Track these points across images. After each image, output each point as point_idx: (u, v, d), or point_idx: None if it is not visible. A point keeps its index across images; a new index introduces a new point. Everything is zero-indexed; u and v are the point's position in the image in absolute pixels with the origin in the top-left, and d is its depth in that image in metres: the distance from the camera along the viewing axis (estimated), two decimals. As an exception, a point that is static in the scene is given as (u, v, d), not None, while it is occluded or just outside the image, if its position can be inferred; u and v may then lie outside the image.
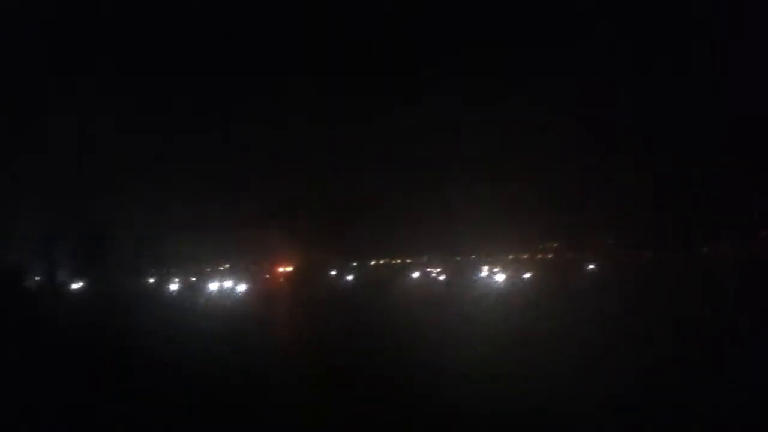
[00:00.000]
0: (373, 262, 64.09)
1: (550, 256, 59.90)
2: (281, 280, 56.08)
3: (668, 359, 16.42)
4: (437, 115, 42.81)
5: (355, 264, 62.30)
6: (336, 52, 37.30)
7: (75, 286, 45.41)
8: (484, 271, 58.15)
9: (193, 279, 55.69)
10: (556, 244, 59.88)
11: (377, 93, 40.42)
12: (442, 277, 59.50)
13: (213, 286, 54.51)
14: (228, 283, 54.39)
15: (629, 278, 38.50)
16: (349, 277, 59.91)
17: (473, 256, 59.82)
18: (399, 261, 63.90)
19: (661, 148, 39.53)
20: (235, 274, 55.14)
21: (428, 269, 62.19)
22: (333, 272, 60.39)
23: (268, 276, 56.57)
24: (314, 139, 44.46)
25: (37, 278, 43.03)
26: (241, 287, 53.22)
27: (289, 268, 56.45)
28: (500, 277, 55.23)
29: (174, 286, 53.36)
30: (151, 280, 52.71)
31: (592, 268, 52.88)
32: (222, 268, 57.39)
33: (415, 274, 61.49)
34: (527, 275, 54.64)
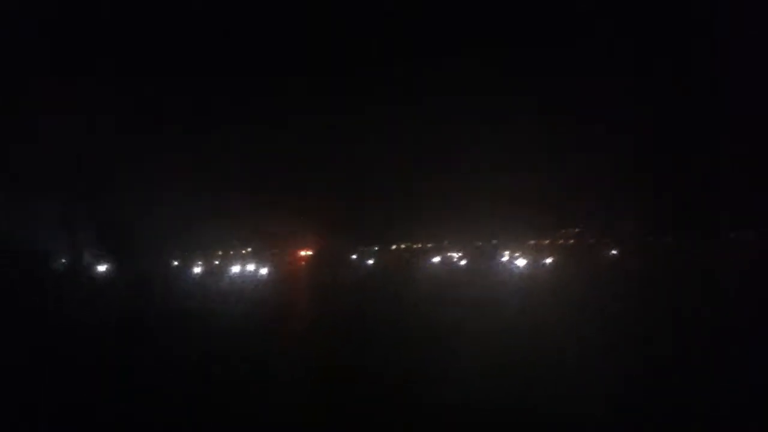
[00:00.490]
0: (394, 247, 64.37)
1: (572, 241, 59.77)
2: (302, 264, 56.66)
3: (668, 359, 16.47)
4: (461, 103, 42.86)
5: (376, 248, 62.64)
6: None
7: (100, 268, 46.53)
8: (506, 256, 58.00)
9: (216, 262, 56.65)
10: (577, 229, 59.72)
11: (398, 82, 40.53)
12: (462, 262, 59.46)
13: (235, 269, 55.26)
14: (249, 267, 55.01)
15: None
16: (370, 261, 60.23)
17: (494, 241, 59.81)
18: (419, 245, 64.09)
19: (660, 148, 39.37)
20: (257, 258, 55.75)
21: (449, 254, 62.25)
22: (354, 256, 60.84)
23: (289, 260, 57.18)
24: (338, 127, 44.79)
25: (62, 261, 44.28)
26: (263, 271, 53.77)
27: (310, 252, 57.03)
28: (521, 262, 55.01)
29: (197, 269, 54.27)
30: (176, 263, 53.76)
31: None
32: (244, 252, 58.19)
33: (436, 259, 61.56)
34: (548, 260, 54.46)
